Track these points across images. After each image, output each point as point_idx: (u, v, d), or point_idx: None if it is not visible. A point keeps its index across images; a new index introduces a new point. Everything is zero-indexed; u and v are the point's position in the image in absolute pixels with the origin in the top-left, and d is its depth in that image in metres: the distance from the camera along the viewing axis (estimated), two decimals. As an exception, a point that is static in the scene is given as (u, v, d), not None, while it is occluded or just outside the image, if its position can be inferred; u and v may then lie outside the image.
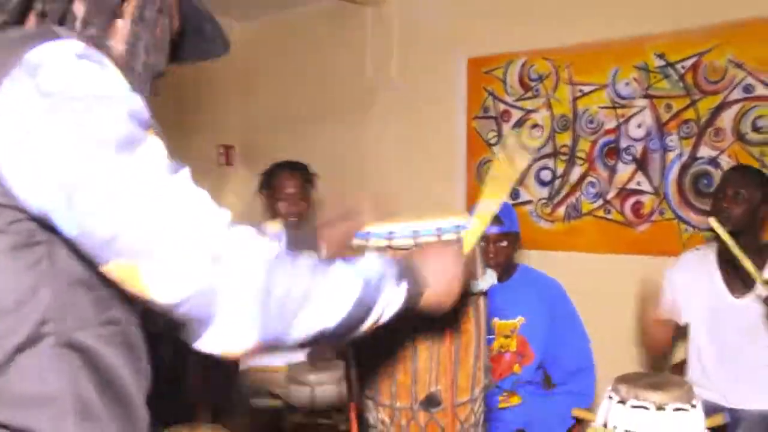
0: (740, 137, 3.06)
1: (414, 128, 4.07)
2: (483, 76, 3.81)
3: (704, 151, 3.15)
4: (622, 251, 3.37)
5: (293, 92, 4.26)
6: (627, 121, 3.36)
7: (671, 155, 3.24)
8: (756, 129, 3.03)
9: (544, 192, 3.61)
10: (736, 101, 3.06)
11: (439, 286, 1.10)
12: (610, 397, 2.16)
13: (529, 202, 3.64)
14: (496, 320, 2.57)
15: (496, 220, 2.31)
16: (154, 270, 0.82)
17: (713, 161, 3.13)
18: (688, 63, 3.18)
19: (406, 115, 4.10)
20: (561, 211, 3.55)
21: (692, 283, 2.56)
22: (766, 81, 3.00)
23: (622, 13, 3.33)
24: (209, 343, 0.86)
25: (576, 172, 3.52)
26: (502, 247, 2.54)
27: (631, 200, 3.36)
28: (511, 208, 2.68)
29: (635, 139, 3.34)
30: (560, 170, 3.57)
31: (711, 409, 2.24)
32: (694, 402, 2.05)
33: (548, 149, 3.61)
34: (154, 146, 0.87)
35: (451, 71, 3.92)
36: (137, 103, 0.89)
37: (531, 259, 3.06)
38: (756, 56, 3.01)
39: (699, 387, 2.21)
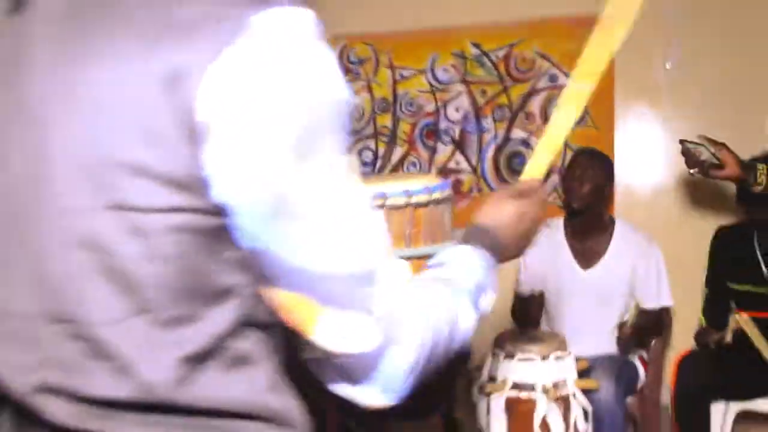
0: (548, 121, 3.43)
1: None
2: (300, 57, 3.79)
3: (516, 133, 3.49)
4: (443, 227, 3.59)
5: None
6: (445, 104, 3.59)
7: (487, 137, 3.54)
8: (560, 114, 3.42)
9: (366, 172, 3.70)
10: (544, 89, 3.44)
11: (514, 250, 1.03)
12: (495, 354, 2.34)
13: (351, 182, 3.71)
14: None
15: None
16: (343, 320, 0.69)
17: (525, 142, 3.48)
18: (501, 53, 3.49)
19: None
20: (383, 190, 3.67)
21: (543, 256, 2.76)
22: (568, 72, 3.40)
23: (439, 3, 3.54)
24: (365, 395, 0.74)
25: (397, 153, 3.67)
26: None
27: (451, 179, 3.60)
28: None
29: (453, 122, 3.59)
30: (381, 151, 3.70)
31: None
32: (569, 350, 2.31)
33: (369, 131, 3.71)
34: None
35: (266, 51, 3.83)
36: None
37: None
38: (559, 50, 3.40)
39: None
